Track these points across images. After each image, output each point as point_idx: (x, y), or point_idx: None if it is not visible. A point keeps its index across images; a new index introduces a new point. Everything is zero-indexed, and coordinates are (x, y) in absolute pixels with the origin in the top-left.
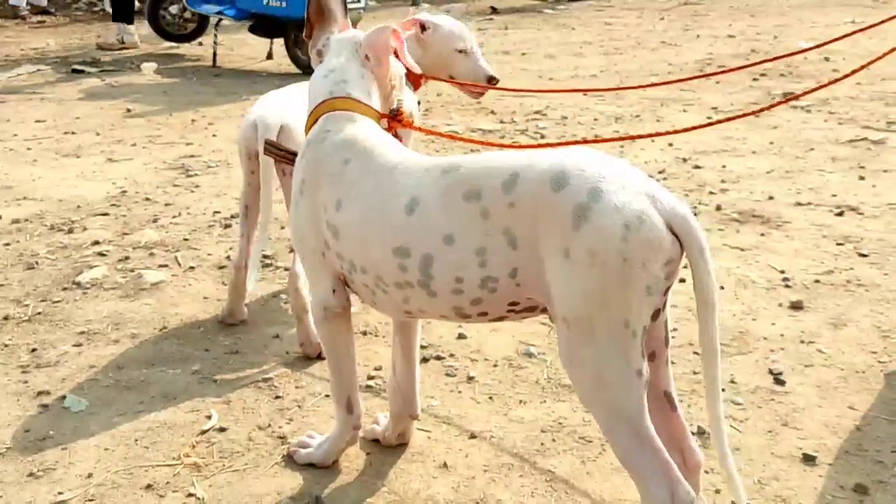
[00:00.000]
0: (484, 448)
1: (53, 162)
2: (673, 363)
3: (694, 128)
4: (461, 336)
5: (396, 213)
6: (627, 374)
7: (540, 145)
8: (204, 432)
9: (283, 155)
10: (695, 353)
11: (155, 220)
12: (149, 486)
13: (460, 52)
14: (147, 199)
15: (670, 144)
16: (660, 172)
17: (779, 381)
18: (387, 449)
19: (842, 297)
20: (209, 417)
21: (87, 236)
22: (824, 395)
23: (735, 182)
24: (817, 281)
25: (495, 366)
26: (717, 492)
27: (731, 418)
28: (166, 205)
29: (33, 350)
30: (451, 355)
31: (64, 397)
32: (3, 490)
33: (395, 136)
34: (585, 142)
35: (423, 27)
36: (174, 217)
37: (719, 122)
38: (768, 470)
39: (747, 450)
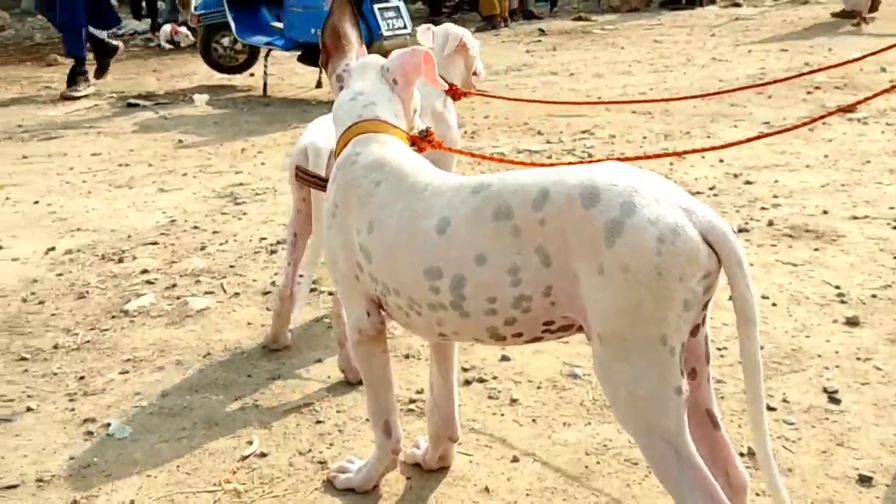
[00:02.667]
0: (527, 471)
1: (107, 193)
2: (722, 381)
3: (742, 142)
4: (504, 358)
5: (427, 233)
6: (665, 391)
7: (580, 162)
8: (245, 458)
9: (315, 181)
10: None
11: (202, 248)
12: None
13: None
14: (195, 227)
15: (721, 160)
16: (710, 189)
17: (833, 400)
18: (427, 473)
19: None
20: (250, 443)
21: (136, 265)
22: (881, 414)
23: (788, 197)
24: (874, 296)
25: (539, 387)
26: None
27: (783, 438)
28: (214, 232)
29: (81, 378)
30: (494, 377)
31: (109, 424)
32: None
33: (434, 160)
34: (635, 158)
35: (463, 45)
36: (221, 244)
37: (769, 134)
38: (822, 492)
39: (800, 471)
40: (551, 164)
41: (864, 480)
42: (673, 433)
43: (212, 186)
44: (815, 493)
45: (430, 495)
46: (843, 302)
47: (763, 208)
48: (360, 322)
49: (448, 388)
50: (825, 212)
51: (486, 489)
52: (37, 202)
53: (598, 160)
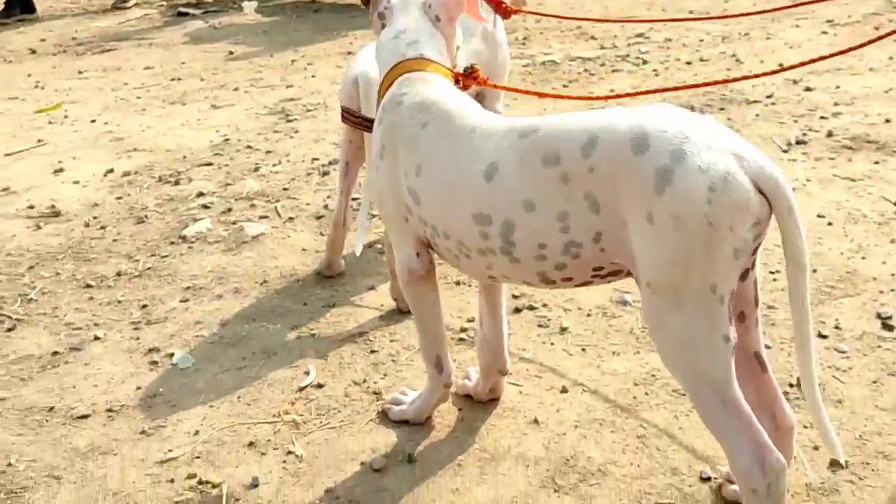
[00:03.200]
0: (576, 402)
1: (160, 110)
2: (774, 308)
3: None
4: None
5: (475, 179)
6: (714, 339)
7: (621, 95)
8: (302, 389)
9: (360, 122)
10: None
11: (256, 170)
12: (251, 444)
13: None
14: (249, 146)
15: (780, 64)
16: (768, 97)
17: (887, 327)
18: (478, 404)
19: None
20: (307, 373)
21: (192, 187)
22: None
23: (849, 104)
24: None
25: (588, 315)
26: (816, 448)
27: (833, 368)
28: (267, 152)
29: (143, 306)
30: (545, 305)
31: (172, 354)
32: (118, 447)
33: (479, 97)
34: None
35: None
36: (274, 165)
37: (827, 56)
38: (871, 424)
39: (850, 402)
40: (597, 98)
41: None
42: (720, 381)
43: (263, 102)
44: (863, 426)
45: (481, 427)
46: None
47: (823, 117)
48: (410, 262)
49: (497, 323)
50: (888, 120)
51: (536, 421)
52: (93, 120)
53: (656, 90)
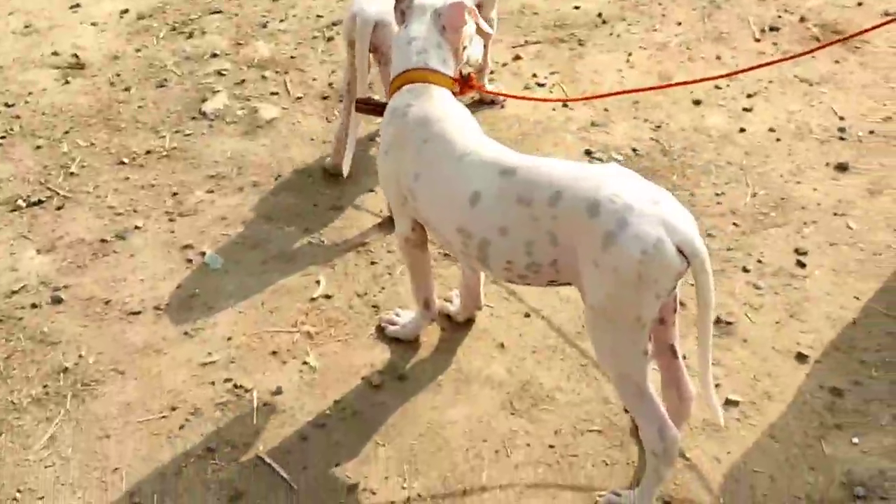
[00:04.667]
0: (535, 327)
1: None
2: (711, 235)
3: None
4: None
5: (462, 201)
6: (635, 352)
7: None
8: (314, 300)
9: (373, 109)
10: (734, 223)
11: (264, 26)
12: (274, 353)
13: None
14: None
15: None
16: None
17: (800, 264)
18: (458, 325)
19: (890, 154)
20: (318, 283)
21: (206, 43)
22: (837, 281)
23: None
24: (872, 132)
25: None
26: (717, 386)
27: (748, 306)
28: (272, 0)
29: (174, 194)
30: None
31: (204, 253)
32: (168, 347)
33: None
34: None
35: None
36: (280, 21)
37: (802, 54)
38: (764, 366)
39: (752, 342)
40: (573, 100)
41: (801, 358)
42: (638, 379)
43: None
44: (758, 367)
45: (458, 348)
46: (842, 139)
47: None
48: (407, 233)
49: (475, 275)
50: (860, 3)
51: (502, 345)
52: None
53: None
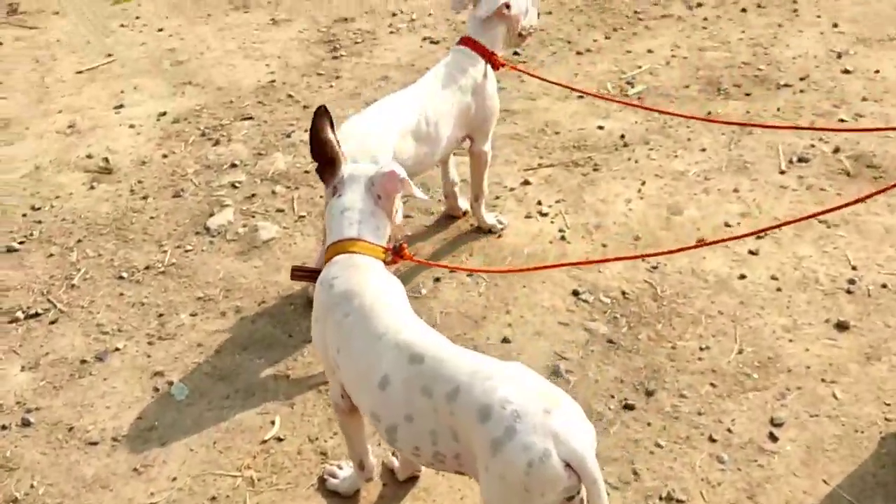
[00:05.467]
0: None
1: (223, 19)
2: (683, 395)
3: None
4: (505, 340)
5: (373, 384)
6: None
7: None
8: (265, 441)
9: (307, 276)
10: (711, 384)
11: (288, 136)
12: (213, 499)
13: (526, 10)
14: (290, 95)
15: (821, 34)
16: (801, 79)
17: (773, 437)
18: (400, 483)
19: None
20: (273, 423)
21: (229, 152)
22: (807, 460)
23: (878, 100)
24: (884, 286)
25: None
26: None
27: (705, 482)
28: (304, 107)
29: (160, 315)
30: None
31: (171, 383)
32: (114, 483)
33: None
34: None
35: (507, 6)
36: (305, 131)
37: (828, 210)
38: None
39: None
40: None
41: None
42: None
43: (319, 19)
44: None
45: None
46: (849, 291)
47: (842, 119)
48: (337, 400)
49: None
50: None
51: None
52: (160, 29)
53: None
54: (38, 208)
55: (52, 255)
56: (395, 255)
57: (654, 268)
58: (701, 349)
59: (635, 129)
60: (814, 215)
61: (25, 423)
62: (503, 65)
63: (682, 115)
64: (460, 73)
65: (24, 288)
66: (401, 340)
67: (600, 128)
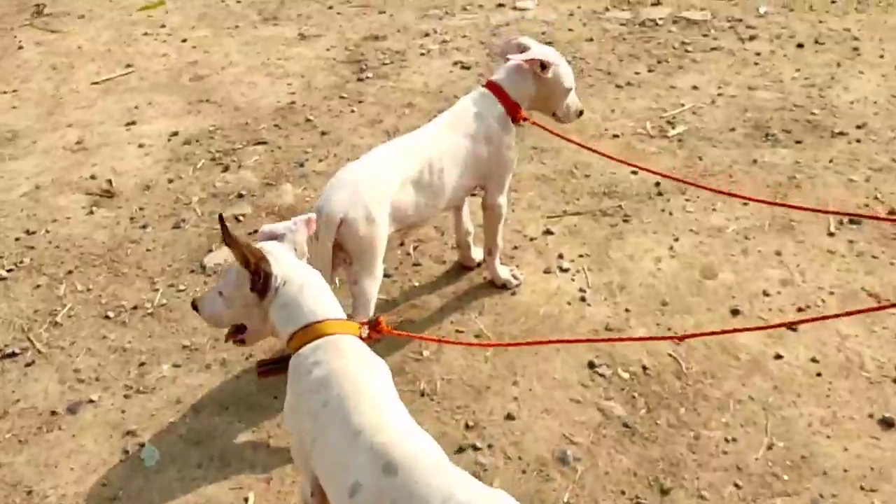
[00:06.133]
0: None
1: (251, 31)
2: (702, 497)
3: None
4: (510, 417)
5: (342, 489)
6: None
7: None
8: None
9: (274, 370)
10: (735, 484)
11: (301, 165)
12: None
13: (568, 89)
14: (308, 119)
15: (884, 76)
16: (858, 127)
17: None
18: None
19: None
20: (246, 501)
21: (237, 180)
22: None
23: None
24: None
25: (524, 472)
26: None
27: None
28: (322, 134)
29: (142, 364)
30: (490, 446)
31: (143, 445)
32: None
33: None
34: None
35: (543, 66)
36: (319, 161)
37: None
38: None
39: None
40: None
41: None
42: None
43: (349, 36)
44: None
45: None
46: None
47: None
48: (306, 496)
49: None
50: None
51: None
52: (184, 40)
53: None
54: (33, 232)
55: (39, 286)
56: (371, 329)
57: (682, 340)
58: (727, 440)
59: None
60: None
61: None
62: (525, 119)
63: (702, 187)
64: (475, 119)
65: (6, 323)
66: (377, 444)
67: (634, 173)
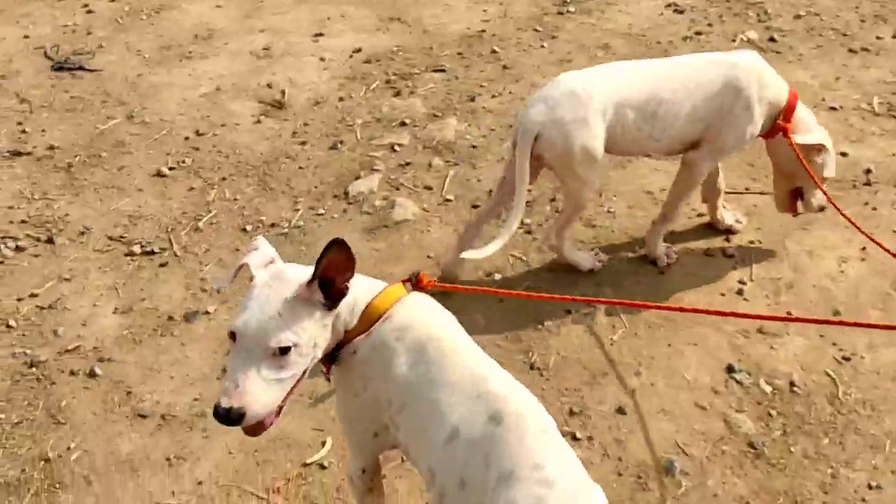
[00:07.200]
0: None
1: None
2: None
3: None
4: (620, 410)
5: (439, 437)
6: None
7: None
8: (308, 465)
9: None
10: None
11: (472, 100)
12: None
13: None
14: (494, 51)
15: None
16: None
17: None
18: None
19: None
20: (324, 444)
21: (406, 106)
22: None
23: None
24: None
25: (620, 474)
26: None
27: None
28: (504, 68)
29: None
30: (590, 438)
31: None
32: (143, 469)
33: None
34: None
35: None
36: (492, 97)
37: None
38: None
39: None
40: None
41: None
42: None
43: None
44: None
45: None
46: None
47: None
48: (356, 474)
49: None
50: None
51: None
52: None
53: None
54: (202, 134)
55: (192, 188)
56: (415, 287)
57: (847, 359)
58: (870, 487)
59: (888, 164)
60: None
61: (92, 374)
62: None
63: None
64: (726, 83)
65: (154, 220)
66: (483, 392)
67: (843, 154)
